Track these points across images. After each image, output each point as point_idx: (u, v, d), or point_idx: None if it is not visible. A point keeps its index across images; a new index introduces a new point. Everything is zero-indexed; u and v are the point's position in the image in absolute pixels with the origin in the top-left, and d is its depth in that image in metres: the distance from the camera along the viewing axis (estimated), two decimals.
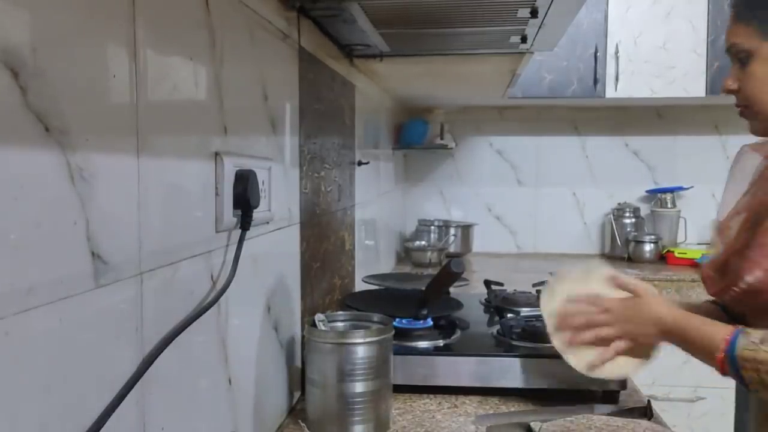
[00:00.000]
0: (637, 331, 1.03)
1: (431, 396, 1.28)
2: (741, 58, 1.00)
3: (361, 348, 1.07)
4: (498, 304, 1.68)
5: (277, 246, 1.10)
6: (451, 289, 1.58)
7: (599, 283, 1.15)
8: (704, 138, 3.20)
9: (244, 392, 0.96)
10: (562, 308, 1.10)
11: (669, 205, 3.17)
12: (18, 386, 0.49)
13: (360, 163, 1.88)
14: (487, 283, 1.91)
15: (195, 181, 0.79)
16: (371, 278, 1.88)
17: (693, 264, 2.91)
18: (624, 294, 1.11)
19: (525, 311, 1.57)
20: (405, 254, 3.04)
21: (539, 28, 1.33)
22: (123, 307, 0.63)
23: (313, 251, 1.34)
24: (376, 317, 1.22)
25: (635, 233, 3.10)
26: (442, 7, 1.22)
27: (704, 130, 3.20)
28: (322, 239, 1.43)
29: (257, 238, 0.99)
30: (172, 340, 0.70)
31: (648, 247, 3.04)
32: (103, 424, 0.58)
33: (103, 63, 0.59)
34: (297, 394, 1.24)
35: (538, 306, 1.70)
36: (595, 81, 2.79)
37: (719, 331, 0.95)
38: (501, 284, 1.95)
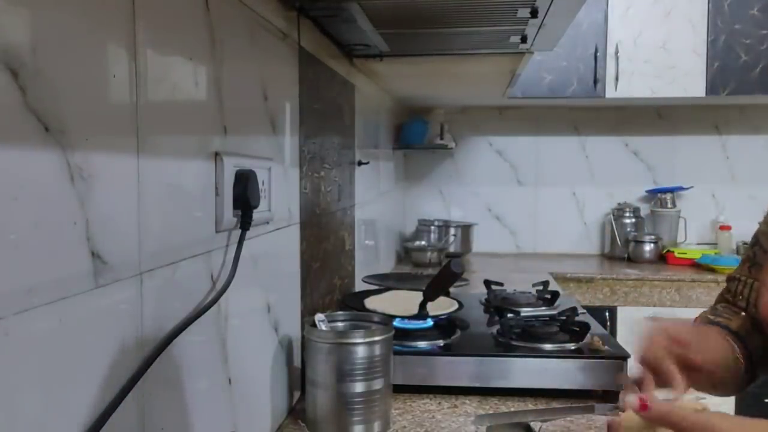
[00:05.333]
0: None
1: (431, 396, 1.28)
2: None
3: (361, 348, 1.07)
4: (498, 304, 1.68)
5: (277, 246, 1.10)
6: (451, 289, 1.58)
7: None
8: (704, 138, 3.20)
9: (244, 392, 0.96)
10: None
11: (669, 205, 3.17)
12: (18, 386, 0.49)
13: (360, 163, 1.88)
14: (487, 283, 1.91)
15: (195, 181, 0.79)
16: (371, 278, 1.88)
17: (693, 264, 2.91)
18: None
19: (525, 311, 1.57)
20: (405, 254, 3.04)
21: (539, 28, 1.33)
22: (123, 307, 0.63)
23: (313, 251, 1.34)
24: (376, 317, 1.22)
25: (635, 233, 3.10)
26: (441, 7, 1.22)
27: (704, 130, 3.20)
28: (322, 239, 1.43)
29: (257, 238, 0.99)
30: (172, 340, 0.70)
31: (648, 247, 3.04)
32: (103, 424, 0.58)
33: (103, 63, 0.59)
34: (297, 394, 1.24)
35: (537, 306, 1.71)
36: (595, 81, 2.79)
37: None
38: (501, 284, 1.96)
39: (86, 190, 0.56)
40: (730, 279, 1.05)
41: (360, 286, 1.86)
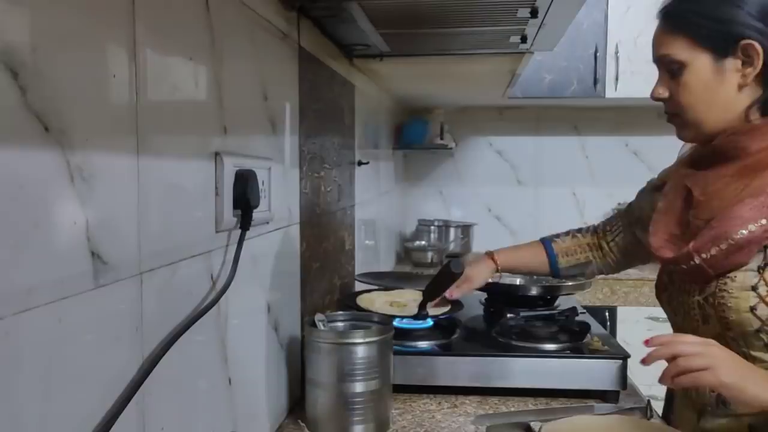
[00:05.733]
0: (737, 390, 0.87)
1: (431, 396, 1.28)
2: (672, 69, 1.03)
3: (361, 348, 1.07)
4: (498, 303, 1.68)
5: (277, 246, 1.10)
6: None
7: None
8: None
9: (244, 392, 0.96)
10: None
11: None
12: (18, 386, 0.49)
13: (360, 163, 1.88)
14: (487, 283, 1.90)
15: (195, 181, 0.79)
16: (365, 276, 1.85)
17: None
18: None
19: (525, 311, 1.57)
20: (405, 254, 3.04)
21: (539, 28, 1.33)
22: (123, 307, 0.63)
23: (313, 251, 1.34)
24: (376, 317, 1.22)
25: None
26: (442, 7, 1.22)
27: None
28: (322, 239, 1.43)
29: (257, 238, 0.99)
30: (173, 342, 0.70)
31: None
32: (110, 429, 0.58)
33: (103, 63, 0.59)
34: (297, 394, 1.24)
35: (537, 306, 1.71)
36: (595, 81, 2.78)
37: None
38: None
39: (86, 190, 0.56)
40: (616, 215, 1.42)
41: (360, 286, 1.85)
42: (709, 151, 1.07)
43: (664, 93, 1.06)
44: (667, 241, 1.10)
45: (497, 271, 1.40)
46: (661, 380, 0.90)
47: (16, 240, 0.48)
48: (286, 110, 1.15)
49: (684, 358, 0.88)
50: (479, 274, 1.39)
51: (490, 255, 1.41)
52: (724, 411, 1.02)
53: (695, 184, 1.09)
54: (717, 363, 0.87)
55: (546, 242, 1.42)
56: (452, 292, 1.38)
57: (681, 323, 1.09)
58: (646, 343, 0.91)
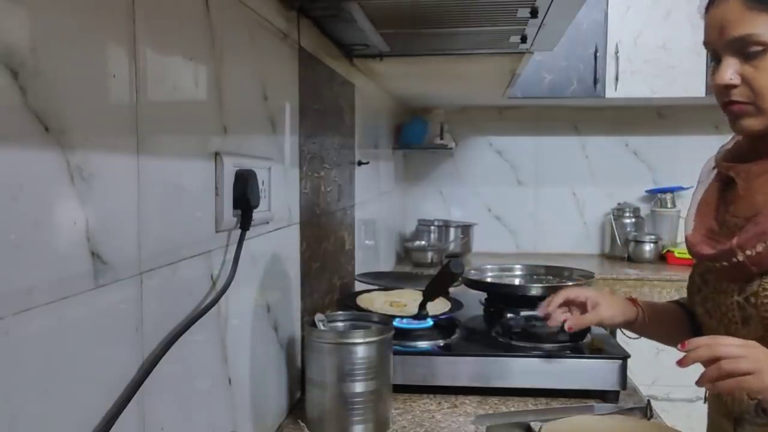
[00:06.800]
0: None
1: (431, 396, 1.28)
2: (750, 51, 0.92)
3: (361, 348, 1.07)
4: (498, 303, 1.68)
5: (277, 246, 1.10)
6: (452, 289, 1.58)
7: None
8: (704, 138, 3.20)
9: (244, 392, 0.96)
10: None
11: (669, 205, 3.17)
12: (18, 386, 0.49)
13: (360, 163, 1.88)
14: None
15: (195, 181, 0.79)
16: (365, 276, 1.86)
17: (693, 264, 2.90)
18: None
19: (525, 311, 1.57)
20: (405, 254, 3.04)
21: (539, 28, 1.33)
22: (123, 307, 0.63)
23: (313, 251, 1.34)
24: (376, 317, 1.22)
25: (635, 233, 3.10)
26: (442, 7, 1.22)
27: (704, 130, 3.20)
28: (322, 239, 1.43)
29: (257, 238, 0.99)
30: (173, 342, 0.70)
31: (648, 247, 3.04)
32: (109, 429, 0.58)
33: (103, 63, 0.59)
34: (297, 394, 1.24)
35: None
36: (595, 81, 2.78)
37: None
38: None
39: (86, 190, 0.56)
40: None
41: (360, 285, 1.85)
42: (751, 143, 1.03)
43: (735, 78, 0.95)
44: (705, 236, 1.05)
45: (637, 318, 1.18)
46: (699, 383, 0.86)
47: (16, 240, 0.48)
48: (286, 110, 1.15)
49: (728, 360, 0.84)
50: (612, 312, 1.18)
51: (631, 299, 1.22)
52: (765, 420, 0.96)
53: (738, 174, 1.03)
54: (762, 367, 0.83)
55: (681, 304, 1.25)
56: (574, 322, 1.18)
57: (716, 327, 1.03)
58: (683, 346, 0.87)
